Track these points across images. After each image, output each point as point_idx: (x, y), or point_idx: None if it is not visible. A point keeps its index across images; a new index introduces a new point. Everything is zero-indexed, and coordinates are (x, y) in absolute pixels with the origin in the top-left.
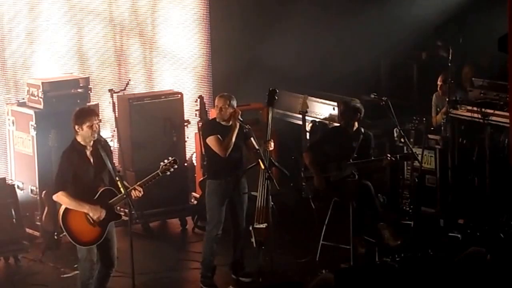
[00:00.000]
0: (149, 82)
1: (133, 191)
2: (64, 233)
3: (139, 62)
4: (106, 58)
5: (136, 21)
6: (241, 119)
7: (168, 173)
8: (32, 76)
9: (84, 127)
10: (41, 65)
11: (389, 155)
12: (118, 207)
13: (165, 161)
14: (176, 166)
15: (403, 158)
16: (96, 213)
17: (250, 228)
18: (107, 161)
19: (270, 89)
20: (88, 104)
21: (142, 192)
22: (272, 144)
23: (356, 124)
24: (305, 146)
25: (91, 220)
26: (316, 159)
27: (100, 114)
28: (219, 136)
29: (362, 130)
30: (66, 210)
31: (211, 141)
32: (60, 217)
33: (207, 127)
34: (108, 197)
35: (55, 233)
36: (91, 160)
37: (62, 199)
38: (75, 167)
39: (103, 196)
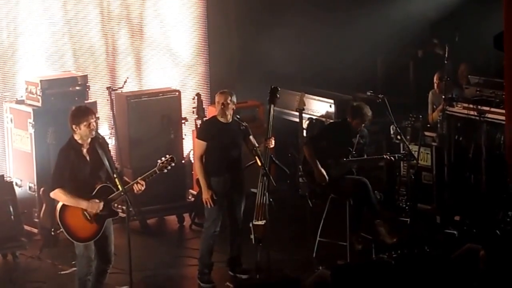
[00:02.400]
0: (146, 80)
1: (135, 185)
2: (61, 230)
3: (137, 60)
4: (104, 56)
5: (133, 19)
6: (238, 117)
7: (165, 170)
8: (30, 73)
9: (82, 126)
10: (39, 63)
11: (387, 154)
12: (116, 204)
13: (163, 158)
14: (173, 164)
15: (401, 159)
16: (94, 208)
17: (250, 225)
18: (104, 159)
19: (272, 86)
20: (86, 102)
21: (144, 186)
22: (273, 141)
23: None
24: (303, 141)
25: (88, 217)
26: (316, 153)
27: (98, 112)
28: (206, 143)
29: None
30: (63, 206)
31: (197, 144)
32: (57, 213)
33: (202, 129)
34: (105, 194)
35: (52, 230)
36: (88, 158)
37: (60, 196)
38: (72, 164)
39: (100, 193)
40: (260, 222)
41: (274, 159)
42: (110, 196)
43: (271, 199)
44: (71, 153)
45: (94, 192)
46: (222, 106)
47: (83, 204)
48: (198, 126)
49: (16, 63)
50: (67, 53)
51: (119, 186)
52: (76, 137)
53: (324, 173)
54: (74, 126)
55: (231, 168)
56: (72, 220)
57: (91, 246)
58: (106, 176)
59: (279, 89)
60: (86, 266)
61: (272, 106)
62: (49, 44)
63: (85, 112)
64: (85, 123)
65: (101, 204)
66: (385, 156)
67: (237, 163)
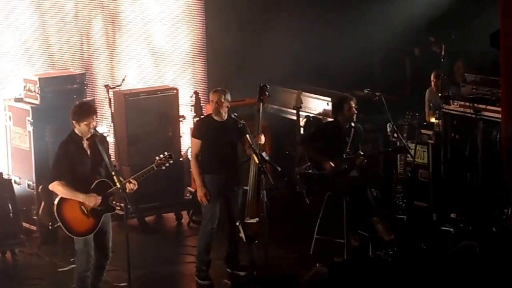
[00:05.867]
0: (144, 78)
1: (127, 184)
2: (58, 223)
3: (135, 58)
4: (101, 54)
5: (131, 17)
6: (236, 114)
7: (163, 167)
8: (29, 71)
9: (82, 124)
10: (38, 60)
11: (361, 152)
12: (114, 202)
13: (160, 155)
14: (171, 161)
15: (395, 151)
16: (91, 201)
17: (237, 223)
18: (104, 154)
19: (261, 84)
20: (84, 99)
21: (136, 186)
22: (263, 137)
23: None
24: (298, 141)
25: (85, 211)
26: (313, 148)
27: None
28: (201, 142)
29: (353, 124)
30: (61, 200)
31: (192, 142)
32: (55, 207)
33: (196, 127)
34: (103, 189)
35: (50, 224)
36: (88, 152)
37: (57, 188)
38: (72, 158)
39: (98, 187)
40: (252, 220)
41: (265, 156)
42: (108, 191)
43: (266, 199)
44: (71, 146)
45: (92, 186)
46: (216, 105)
47: (80, 196)
48: (194, 123)
49: (13, 61)
50: (66, 51)
51: (117, 183)
52: (76, 130)
53: (330, 163)
54: (74, 122)
55: (226, 165)
56: (69, 214)
57: (91, 243)
58: (106, 172)
59: (268, 86)
60: (85, 262)
61: (261, 104)
62: (49, 43)
63: (87, 112)
64: (85, 122)
65: (99, 199)
66: (360, 155)
67: (232, 161)
